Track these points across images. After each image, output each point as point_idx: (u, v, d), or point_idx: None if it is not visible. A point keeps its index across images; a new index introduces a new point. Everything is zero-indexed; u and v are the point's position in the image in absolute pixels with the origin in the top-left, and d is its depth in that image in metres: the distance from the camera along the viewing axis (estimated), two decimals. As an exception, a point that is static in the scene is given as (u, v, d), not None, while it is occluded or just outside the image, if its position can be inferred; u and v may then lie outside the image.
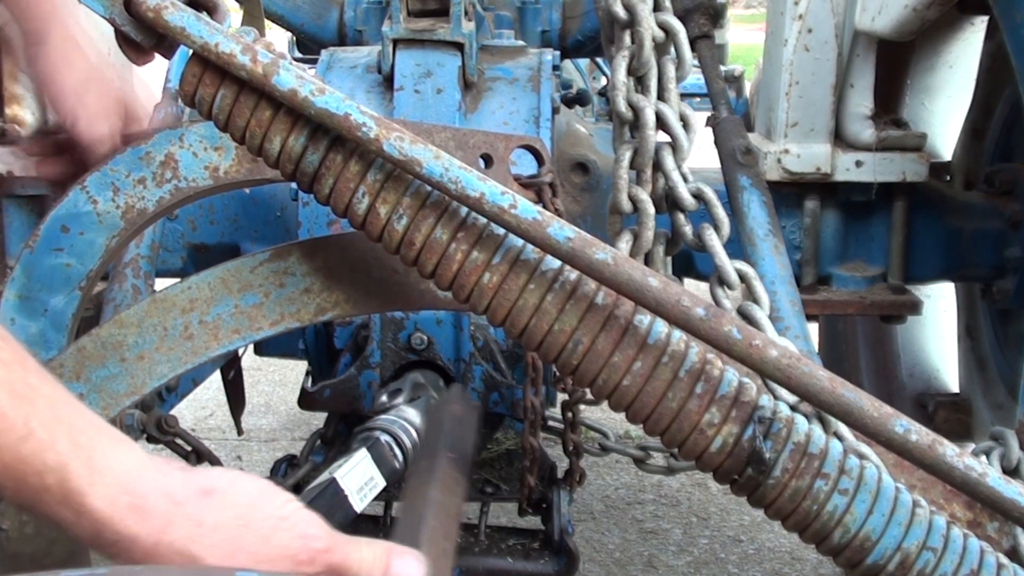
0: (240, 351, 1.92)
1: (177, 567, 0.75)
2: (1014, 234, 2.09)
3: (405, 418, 1.38)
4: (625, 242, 1.23)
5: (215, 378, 2.12)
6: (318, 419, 1.87)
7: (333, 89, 0.96)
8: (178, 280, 1.24)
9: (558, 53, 1.90)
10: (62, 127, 1.61)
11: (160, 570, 0.77)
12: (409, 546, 0.92)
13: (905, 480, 1.08)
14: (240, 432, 2.24)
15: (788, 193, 2.06)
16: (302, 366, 2.01)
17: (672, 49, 1.25)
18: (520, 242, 0.99)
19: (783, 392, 1.03)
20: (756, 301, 1.16)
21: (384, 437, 1.32)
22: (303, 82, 0.95)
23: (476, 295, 1.00)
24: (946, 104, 2.28)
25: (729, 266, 1.17)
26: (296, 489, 1.31)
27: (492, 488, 1.65)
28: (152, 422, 1.70)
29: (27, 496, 0.81)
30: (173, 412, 1.79)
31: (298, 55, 3.80)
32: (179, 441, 1.74)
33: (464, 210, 0.99)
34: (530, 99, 1.74)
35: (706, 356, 0.99)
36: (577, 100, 2.90)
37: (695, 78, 2.27)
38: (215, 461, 1.79)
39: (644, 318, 0.99)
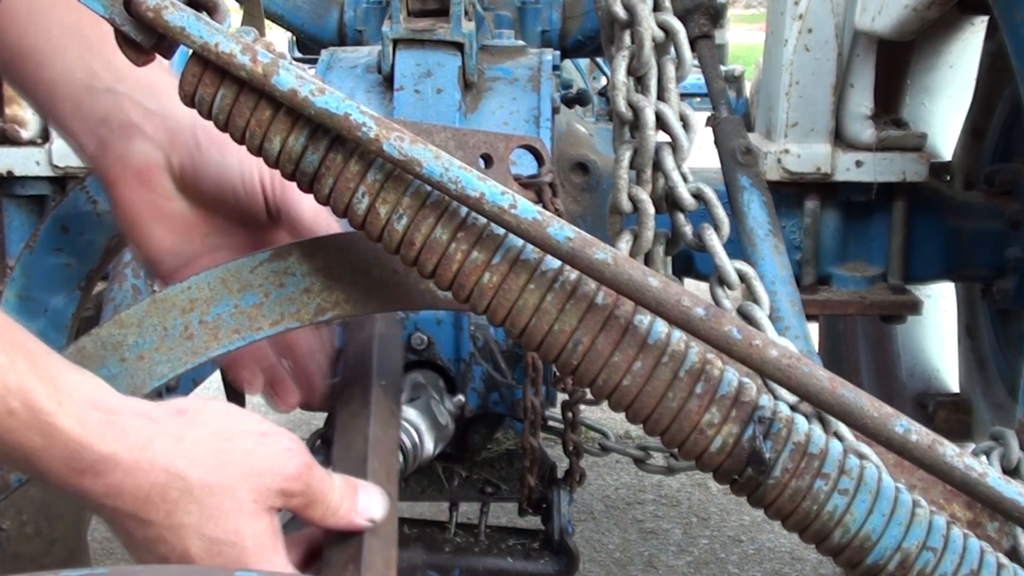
0: (240, 351, 1.92)
1: (176, 567, 0.74)
2: (1014, 234, 2.09)
3: (405, 418, 1.38)
4: (625, 242, 1.23)
5: (215, 378, 2.12)
6: (318, 419, 1.87)
7: (333, 89, 0.95)
8: (178, 280, 1.24)
9: (558, 53, 1.90)
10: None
11: (160, 570, 0.76)
12: None
13: (905, 480, 1.08)
14: (240, 432, 2.24)
15: (788, 193, 2.07)
16: (302, 366, 2.00)
17: (672, 49, 1.25)
18: (520, 242, 0.99)
19: (783, 392, 1.03)
20: (756, 301, 1.16)
21: (384, 437, 1.31)
22: (303, 82, 0.94)
23: (476, 295, 1.00)
24: (946, 104, 2.29)
25: (729, 266, 1.17)
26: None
27: (492, 488, 1.65)
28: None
29: None
30: (173, 412, 1.79)
31: (298, 55, 3.81)
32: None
33: (464, 210, 0.99)
34: (530, 99, 1.74)
35: (706, 356, 0.99)
36: (577, 100, 2.91)
37: (695, 78, 2.27)
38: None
39: (644, 318, 0.99)
